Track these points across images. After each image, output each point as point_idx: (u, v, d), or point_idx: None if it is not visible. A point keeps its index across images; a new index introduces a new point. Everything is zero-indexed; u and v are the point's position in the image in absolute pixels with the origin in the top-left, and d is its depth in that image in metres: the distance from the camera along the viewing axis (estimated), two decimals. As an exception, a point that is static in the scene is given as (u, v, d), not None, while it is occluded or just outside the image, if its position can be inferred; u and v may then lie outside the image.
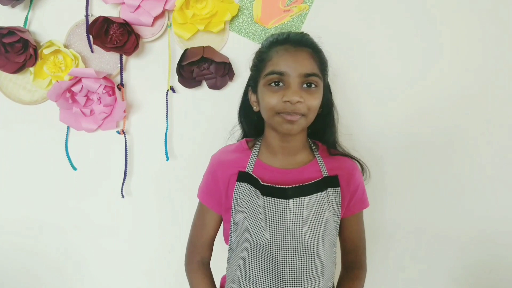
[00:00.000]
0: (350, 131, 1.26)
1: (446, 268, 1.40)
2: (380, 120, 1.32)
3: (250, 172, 0.96)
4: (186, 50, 1.25)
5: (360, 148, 1.30)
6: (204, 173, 1.05)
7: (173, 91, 1.31)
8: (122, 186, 1.36)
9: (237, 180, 0.96)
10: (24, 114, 1.33)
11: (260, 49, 0.98)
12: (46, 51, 1.23)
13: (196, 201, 1.37)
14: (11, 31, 1.19)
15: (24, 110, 1.32)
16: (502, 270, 1.40)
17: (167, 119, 1.32)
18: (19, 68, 1.24)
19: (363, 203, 1.03)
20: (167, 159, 1.34)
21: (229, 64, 1.25)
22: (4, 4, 1.23)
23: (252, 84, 0.98)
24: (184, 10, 1.22)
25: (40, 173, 1.38)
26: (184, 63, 1.22)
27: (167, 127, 1.33)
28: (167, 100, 1.31)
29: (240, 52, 1.28)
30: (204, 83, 1.30)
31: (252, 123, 1.05)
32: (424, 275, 1.41)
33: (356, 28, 1.27)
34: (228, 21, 1.25)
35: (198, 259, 1.03)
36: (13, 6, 1.24)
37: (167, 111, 1.31)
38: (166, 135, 1.33)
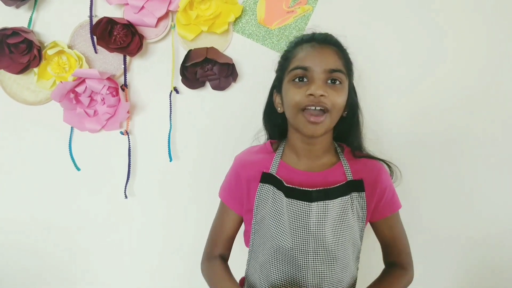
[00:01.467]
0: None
1: (450, 269, 1.40)
2: (384, 120, 1.31)
3: (274, 174, 0.95)
4: (189, 51, 1.25)
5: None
6: (227, 173, 1.04)
7: (177, 92, 1.31)
8: (126, 186, 1.36)
9: (260, 181, 0.95)
10: (28, 114, 1.33)
11: (285, 49, 0.98)
12: (50, 52, 1.24)
13: (199, 201, 1.38)
14: (15, 31, 1.19)
15: (28, 111, 1.33)
16: (506, 271, 1.39)
17: (170, 120, 1.32)
18: (23, 69, 1.24)
19: (393, 206, 0.99)
20: (170, 160, 1.34)
21: (233, 65, 1.25)
22: (9, 5, 1.23)
23: (277, 84, 0.97)
24: (188, 11, 1.22)
25: (44, 173, 1.38)
26: (188, 64, 1.23)
27: (170, 127, 1.33)
28: (170, 101, 1.31)
29: (244, 53, 1.28)
30: (208, 84, 1.30)
31: (276, 125, 1.04)
32: (427, 276, 1.41)
33: (360, 29, 1.27)
34: (232, 22, 1.25)
35: (216, 255, 1.02)
36: (17, 7, 1.25)
37: (170, 112, 1.32)
38: (169, 135, 1.33)
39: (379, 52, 1.27)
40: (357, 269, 0.99)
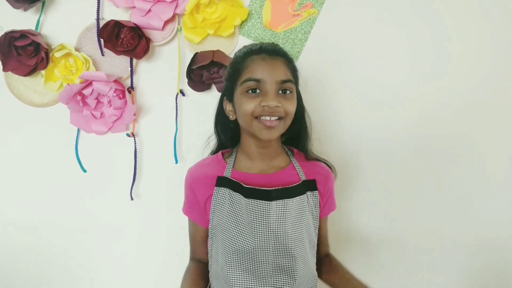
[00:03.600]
0: (355, 132, 1.26)
1: (453, 273, 1.40)
2: (386, 123, 1.32)
3: (229, 177, 0.98)
4: (196, 54, 1.25)
5: (366, 151, 1.31)
6: (184, 188, 1.07)
7: (183, 94, 1.32)
8: (131, 188, 1.37)
9: (216, 185, 0.98)
10: (35, 116, 1.34)
11: (234, 59, 1.01)
12: (57, 54, 1.24)
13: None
14: (23, 34, 1.20)
15: (35, 113, 1.34)
16: (510, 275, 1.39)
17: (176, 122, 1.33)
18: (30, 71, 1.25)
19: (333, 206, 1.09)
20: (176, 162, 1.35)
21: (239, 68, 1.26)
22: (17, 8, 1.24)
23: (227, 94, 1.01)
24: (194, 15, 1.23)
25: (50, 175, 1.39)
26: (194, 67, 1.23)
27: (176, 130, 1.33)
28: (176, 104, 1.32)
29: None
30: (214, 87, 1.31)
31: (228, 131, 1.07)
32: (431, 280, 1.41)
33: (365, 32, 1.27)
34: (238, 25, 1.26)
35: (195, 258, 1.08)
36: (25, 10, 1.26)
37: (176, 114, 1.32)
38: (175, 138, 1.34)
39: (384, 55, 1.28)
40: (315, 265, 1.03)
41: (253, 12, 1.27)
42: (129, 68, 1.29)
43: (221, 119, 1.08)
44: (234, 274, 0.94)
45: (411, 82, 1.29)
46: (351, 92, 1.31)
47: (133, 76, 1.30)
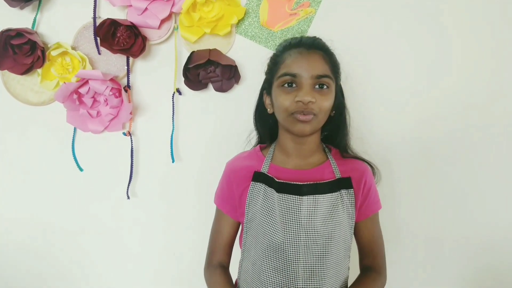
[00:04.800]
0: (360, 135, 1.26)
1: (452, 273, 1.39)
2: (390, 125, 1.31)
3: (265, 172, 0.98)
4: (192, 52, 1.25)
5: (369, 151, 1.30)
6: (220, 180, 1.07)
7: (179, 93, 1.32)
8: (128, 187, 1.37)
9: (252, 180, 0.98)
10: (31, 115, 1.34)
11: (274, 53, 1.01)
12: (53, 53, 1.24)
13: (202, 203, 1.38)
14: (19, 32, 1.20)
15: (32, 111, 1.34)
16: (509, 277, 1.39)
17: (173, 121, 1.33)
18: (27, 70, 1.25)
19: (376, 205, 1.03)
20: (173, 161, 1.35)
21: (235, 67, 1.25)
22: (13, 6, 1.24)
23: (267, 87, 1.01)
24: (191, 13, 1.23)
25: (47, 173, 1.39)
26: (191, 66, 1.23)
27: (173, 129, 1.33)
28: (173, 102, 1.32)
29: (246, 55, 1.28)
30: (210, 86, 1.31)
31: (266, 126, 1.07)
32: (430, 281, 1.41)
33: (363, 32, 1.27)
34: (235, 24, 1.26)
35: (215, 263, 1.03)
36: (21, 8, 1.25)
37: (173, 113, 1.32)
38: (172, 137, 1.33)
39: (381, 55, 1.27)
40: (348, 268, 1.01)
41: (250, 11, 1.27)
42: (126, 67, 1.29)
43: (259, 112, 1.07)
44: (265, 270, 0.94)
45: (414, 84, 1.28)
46: (349, 92, 1.30)
47: (130, 75, 1.30)
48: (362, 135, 1.26)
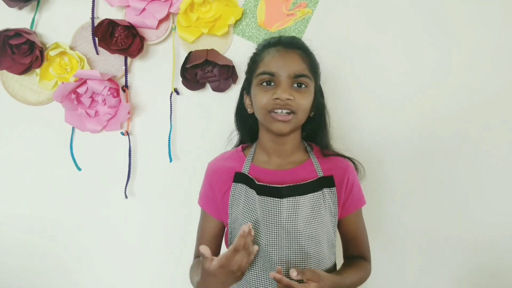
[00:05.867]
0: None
1: (449, 271, 1.40)
2: (388, 124, 1.32)
3: (246, 173, 0.98)
4: (190, 53, 1.26)
5: (367, 151, 1.31)
6: (203, 180, 1.07)
7: (177, 93, 1.32)
8: (126, 186, 1.37)
9: (234, 181, 0.98)
10: (30, 114, 1.35)
11: (254, 52, 1.02)
12: (52, 53, 1.25)
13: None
14: (18, 32, 1.21)
15: (30, 111, 1.34)
16: (505, 275, 1.39)
17: (170, 121, 1.33)
18: (25, 70, 1.25)
19: (360, 201, 1.04)
20: (171, 161, 1.35)
21: (233, 67, 1.26)
22: (11, 6, 1.25)
23: (246, 87, 1.01)
24: (189, 14, 1.24)
25: (45, 173, 1.39)
26: (188, 66, 1.24)
27: (170, 128, 1.34)
28: (171, 102, 1.32)
29: (244, 55, 1.26)
30: (208, 86, 1.31)
31: (247, 126, 1.07)
32: (426, 279, 1.41)
33: (360, 33, 1.27)
34: (232, 24, 1.26)
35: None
36: (20, 8, 1.26)
37: (171, 113, 1.33)
38: (169, 136, 1.34)
39: (379, 55, 1.28)
40: (335, 264, 1.02)
41: (247, 11, 1.27)
42: (124, 67, 1.30)
43: (240, 113, 1.08)
44: (251, 270, 0.94)
45: (412, 83, 1.29)
46: (347, 92, 1.31)
47: (128, 75, 1.31)
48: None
